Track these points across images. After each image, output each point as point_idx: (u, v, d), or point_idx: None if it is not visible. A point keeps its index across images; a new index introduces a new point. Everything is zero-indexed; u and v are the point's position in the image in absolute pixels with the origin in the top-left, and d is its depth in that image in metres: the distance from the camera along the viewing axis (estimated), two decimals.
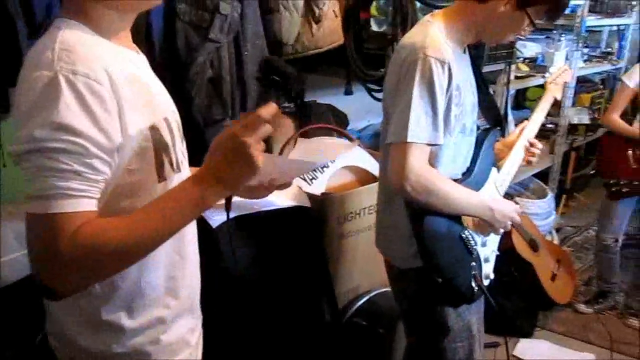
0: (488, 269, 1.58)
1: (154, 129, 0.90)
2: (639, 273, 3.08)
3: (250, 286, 1.81)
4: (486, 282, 1.57)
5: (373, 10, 2.65)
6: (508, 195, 3.39)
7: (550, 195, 3.78)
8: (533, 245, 3.03)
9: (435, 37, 1.38)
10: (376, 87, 2.55)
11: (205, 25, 2.08)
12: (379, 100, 2.62)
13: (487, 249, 1.57)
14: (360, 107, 3.02)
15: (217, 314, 1.42)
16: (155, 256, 0.92)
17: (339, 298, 2.15)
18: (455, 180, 1.49)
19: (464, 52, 1.52)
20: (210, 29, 2.08)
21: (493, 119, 1.67)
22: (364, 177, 2.39)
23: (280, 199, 1.69)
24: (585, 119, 4.28)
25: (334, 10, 2.41)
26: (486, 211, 1.48)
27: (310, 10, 2.37)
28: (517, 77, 3.39)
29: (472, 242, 1.50)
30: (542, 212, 3.60)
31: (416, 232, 1.44)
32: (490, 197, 1.54)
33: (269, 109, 0.82)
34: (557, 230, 4.02)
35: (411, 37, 1.44)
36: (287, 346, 1.84)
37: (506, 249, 2.91)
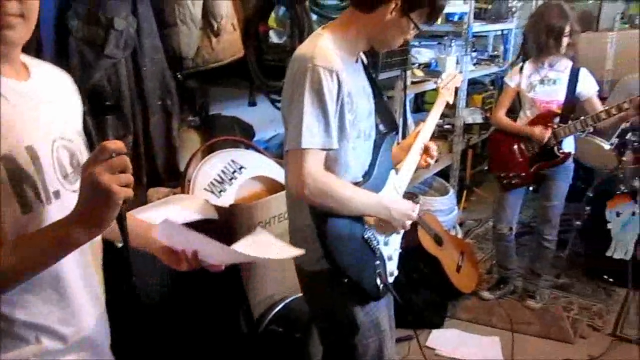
0: (392, 266, 1.66)
1: (7, 158, 0.88)
2: (533, 258, 3.29)
3: (165, 307, 1.79)
4: (391, 279, 1.65)
5: (271, 22, 2.70)
6: (413, 195, 3.57)
7: (452, 192, 4.01)
8: (438, 241, 3.21)
9: (323, 47, 1.44)
10: (279, 98, 2.59)
11: (99, 41, 2.04)
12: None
13: (390, 247, 1.65)
14: (266, 117, 3.06)
15: (133, 337, 1.40)
16: (17, 294, 0.90)
17: (255, 308, 2.16)
18: (355, 184, 1.56)
19: (356, 61, 1.60)
20: (106, 45, 2.04)
21: (389, 124, 1.75)
22: (272, 186, 2.43)
23: (185, 214, 1.69)
24: (479, 119, 4.58)
25: (232, 24, 2.44)
26: (384, 211, 1.55)
27: (208, 24, 2.38)
28: (413, 83, 3.57)
29: (375, 242, 1.57)
30: (445, 208, 3.81)
31: (320, 235, 1.49)
32: (389, 198, 1.62)
33: (115, 144, 0.82)
34: (460, 224, 4.25)
35: (301, 49, 1.49)
36: None
37: (414, 246, 3.10)
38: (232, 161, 2.38)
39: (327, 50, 1.44)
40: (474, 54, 4.47)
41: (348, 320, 1.60)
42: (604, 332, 2.98)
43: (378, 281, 1.57)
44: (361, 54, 1.64)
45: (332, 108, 1.41)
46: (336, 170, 1.51)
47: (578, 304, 3.26)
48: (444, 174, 4.27)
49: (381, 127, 1.75)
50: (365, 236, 1.55)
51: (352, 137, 1.53)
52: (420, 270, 3.17)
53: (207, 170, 2.27)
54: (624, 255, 3.32)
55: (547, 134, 2.82)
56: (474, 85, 4.78)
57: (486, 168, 4.73)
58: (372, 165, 1.62)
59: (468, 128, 4.54)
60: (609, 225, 3.32)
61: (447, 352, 2.82)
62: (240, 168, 2.38)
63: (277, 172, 2.43)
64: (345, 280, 1.51)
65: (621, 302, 3.26)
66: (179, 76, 2.40)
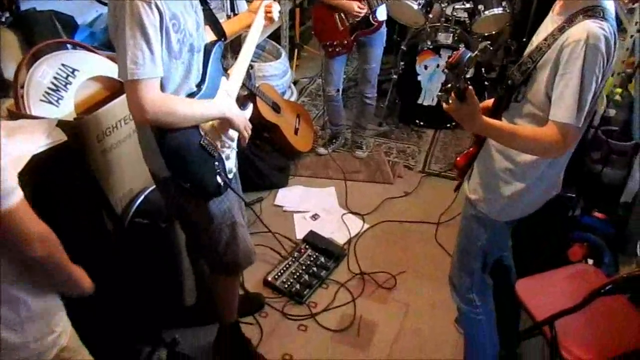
0: (230, 164, 1.88)
1: None
2: (358, 114, 3.71)
3: None
4: (230, 176, 1.89)
5: None
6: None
7: (284, 55, 4.20)
8: (275, 108, 3.48)
9: None
10: None
11: None
12: (105, 4, 2.57)
13: (227, 148, 1.86)
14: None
15: None
16: None
17: (116, 205, 2.31)
18: (190, 94, 1.69)
19: None
20: None
21: (217, 32, 1.87)
22: (110, 85, 2.44)
23: (36, 142, 1.72)
24: None
25: None
26: (225, 112, 1.75)
27: None
28: None
29: (212, 147, 1.76)
30: (279, 72, 4.01)
31: (161, 148, 1.64)
32: (224, 104, 1.79)
33: None
34: (295, 83, 4.53)
35: None
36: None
37: (255, 117, 3.34)
38: (63, 65, 2.31)
39: None
40: None
41: (202, 213, 1.84)
42: (416, 170, 3.62)
43: (219, 179, 1.79)
44: None
45: (155, 38, 1.48)
46: (171, 87, 1.63)
47: (396, 147, 3.85)
48: (274, 36, 4.41)
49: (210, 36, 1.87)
50: (203, 143, 1.73)
51: (183, 54, 1.62)
52: (263, 138, 3.47)
53: (38, 80, 2.20)
54: (432, 102, 3.91)
55: (363, 11, 3.08)
56: None
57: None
58: (204, 75, 1.75)
59: None
60: (419, 78, 3.83)
61: (292, 208, 3.27)
62: (73, 71, 2.33)
63: (111, 70, 2.43)
64: (188, 185, 1.72)
65: (429, 142, 3.91)
66: None
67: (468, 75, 3.18)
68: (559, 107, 1.50)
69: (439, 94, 1.41)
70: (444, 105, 1.44)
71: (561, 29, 1.52)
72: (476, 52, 1.40)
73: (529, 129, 1.60)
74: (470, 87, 1.40)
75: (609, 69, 1.53)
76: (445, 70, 1.36)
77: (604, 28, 1.44)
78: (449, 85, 1.37)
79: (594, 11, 1.47)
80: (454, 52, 1.34)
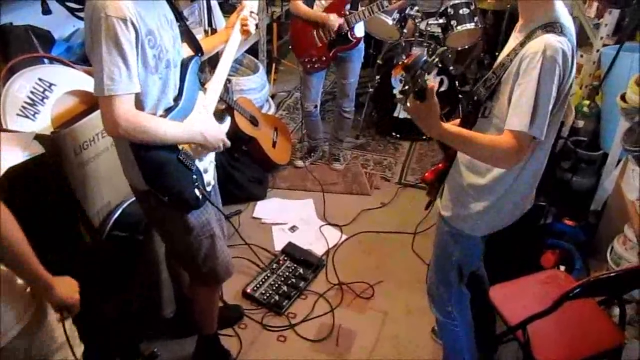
0: (209, 177, 1.90)
1: None
2: (336, 127, 3.75)
3: None
4: (209, 188, 1.91)
5: None
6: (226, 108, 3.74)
7: (262, 69, 4.24)
8: (253, 122, 3.51)
9: None
10: (76, 6, 2.50)
11: None
12: (81, 18, 2.58)
13: (205, 161, 1.88)
14: (61, 15, 2.90)
15: None
16: None
17: (94, 218, 2.32)
18: (168, 108, 1.71)
19: None
20: None
21: (194, 47, 1.91)
22: (88, 98, 2.45)
23: (10, 157, 1.71)
24: None
25: None
26: (199, 136, 1.77)
27: None
28: None
29: (189, 160, 1.78)
30: (257, 85, 4.05)
31: (138, 162, 1.67)
32: (200, 121, 1.80)
33: None
34: (272, 97, 4.58)
35: None
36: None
37: (233, 130, 3.36)
38: (40, 79, 2.32)
39: None
40: None
41: (182, 225, 1.86)
42: (392, 181, 3.68)
43: (197, 192, 1.81)
44: None
45: (131, 55, 1.50)
46: (149, 102, 1.65)
47: (373, 159, 3.90)
48: (252, 50, 4.45)
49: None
50: (181, 157, 1.74)
51: (159, 69, 1.65)
52: (241, 151, 3.50)
53: (15, 94, 2.20)
54: (407, 115, 3.96)
55: (340, 21, 3.14)
56: None
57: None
58: (181, 89, 1.78)
59: (271, 1, 4.68)
60: (395, 91, 3.90)
61: (271, 220, 3.29)
62: (50, 85, 2.34)
63: (88, 84, 2.43)
64: (166, 198, 1.73)
65: (405, 154, 3.97)
66: None
67: (442, 88, 3.22)
68: (514, 116, 1.53)
69: (398, 97, 1.40)
70: (404, 106, 1.44)
71: (522, 44, 1.57)
72: (433, 57, 1.37)
73: (486, 137, 1.60)
74: (431, 85, 1.40)
75: (567, 82, 1.57)
76: (402, 73, 1.34)
77: (561, 42, 1.50)
78: (406, 87, 1.36)
79: (553, 27, 1.53)
80: (409, 54, 1.31)
